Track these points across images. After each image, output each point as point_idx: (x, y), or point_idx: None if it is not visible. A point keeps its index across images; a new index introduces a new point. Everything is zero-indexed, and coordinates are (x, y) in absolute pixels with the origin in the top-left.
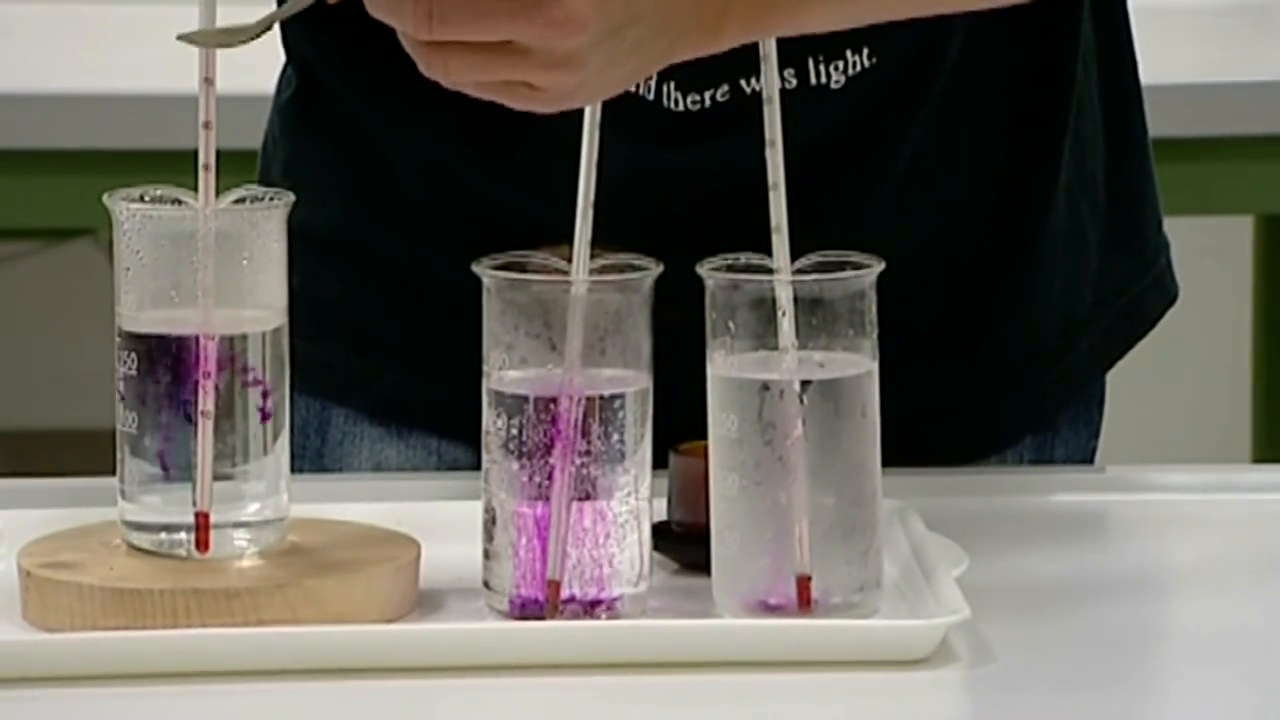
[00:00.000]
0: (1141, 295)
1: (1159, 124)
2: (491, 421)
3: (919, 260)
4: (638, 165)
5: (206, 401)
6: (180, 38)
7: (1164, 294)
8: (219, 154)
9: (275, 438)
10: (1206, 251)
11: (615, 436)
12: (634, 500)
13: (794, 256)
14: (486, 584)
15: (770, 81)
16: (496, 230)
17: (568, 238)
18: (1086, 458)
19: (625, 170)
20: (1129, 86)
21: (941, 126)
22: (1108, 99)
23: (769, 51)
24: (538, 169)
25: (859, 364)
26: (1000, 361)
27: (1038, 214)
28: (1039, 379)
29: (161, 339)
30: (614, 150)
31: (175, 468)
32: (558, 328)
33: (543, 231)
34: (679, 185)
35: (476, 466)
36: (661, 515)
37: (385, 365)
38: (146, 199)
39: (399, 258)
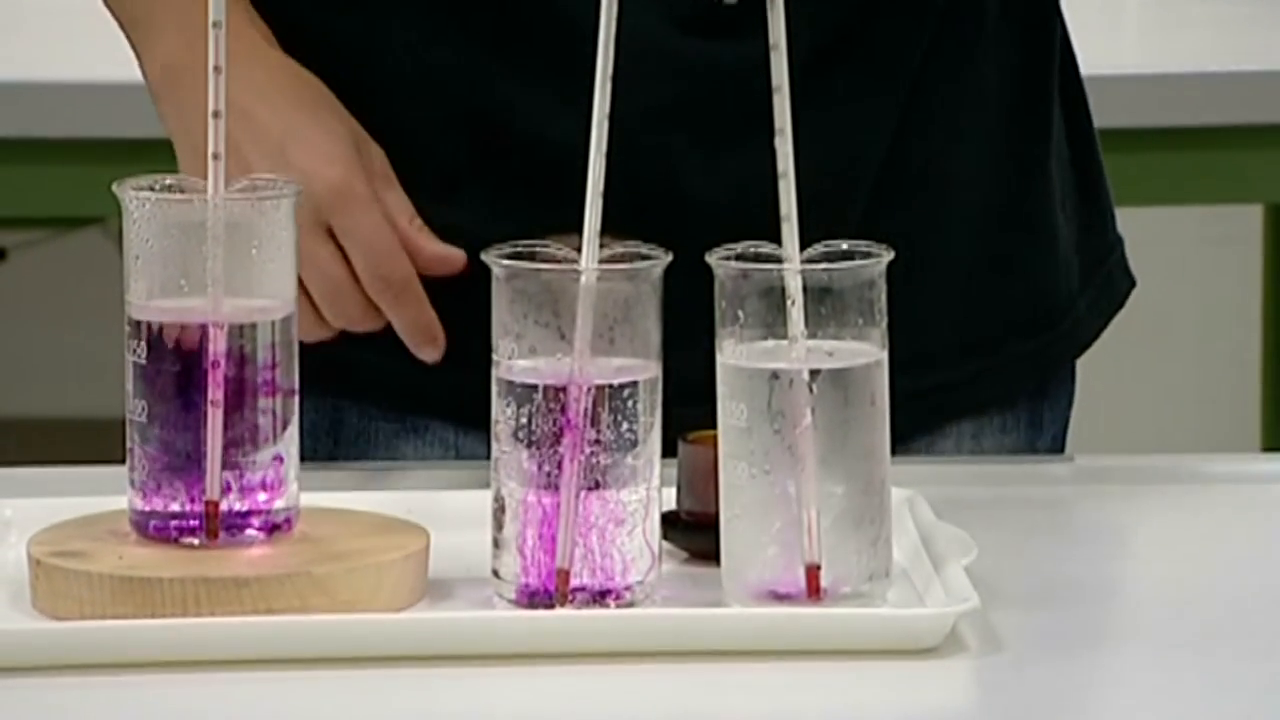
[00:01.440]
0: (1111, 274)
1: (1170, 113)
2: (501, 410)
3: (929, 187)
4: (657, 51)
5: (216, 390)
6: None
7: (1127, 276)
8: None
9: (284, 427)
10: (1216, 240)
11: (624, 425)
12: (643, 489)
13: (799, 159)
14: (496, 573)
15: (780, 71)
16: (504, 180)
17: (580, 160)
18: (1065, 423)
19: (644, 56)
20: (1076, 79)
21: (948, 49)
22: (1062, 89)
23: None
24: (547, 71)
25: (868, 353)
26: (1010, 322)
27: (1036, 173)
28: (1043, 334)
29: (171, 328)
30: (634, 35)
31: (184, 456)
32: (567, 317)
33: (554, 146)
34: (698, 75)
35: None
36: (670, 504)
37: (395, 356)
38: (156, 188)
39: None
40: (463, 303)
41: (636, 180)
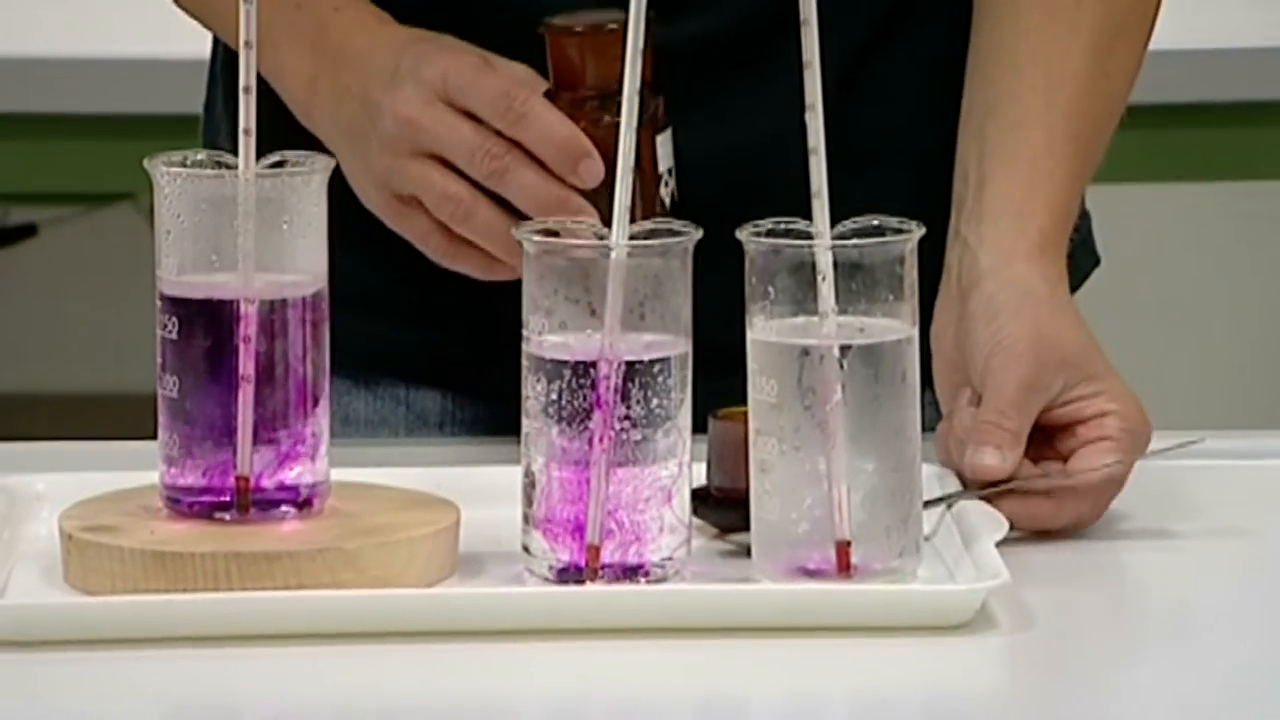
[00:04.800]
0: (1073, 251)
1: (1207, 88)
2: (531, 386)
3: (875, 155)
4: None
5: (247, 366)
6: None
7: (1091, 254)
8: None
9: (315, 402)
10: (1253, 217)
11: (655, 401)
12: (673, 465)
13: (742, 124)
14: (526, 548)
15: (811, 46)
16: None
17: None
18: None
19: None
20: None
21: (900, 19)
22: None
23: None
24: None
25: (899, 329)
26: None
27: None
28: None
29: (202, 303)
30: None
31: (215, 431)
32: (597, 292)
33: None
34: None
35: (445, 415)
36: (701, 480)
37: (348, 312)
38: (187, 163)
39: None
40: (415, 256)
41: None
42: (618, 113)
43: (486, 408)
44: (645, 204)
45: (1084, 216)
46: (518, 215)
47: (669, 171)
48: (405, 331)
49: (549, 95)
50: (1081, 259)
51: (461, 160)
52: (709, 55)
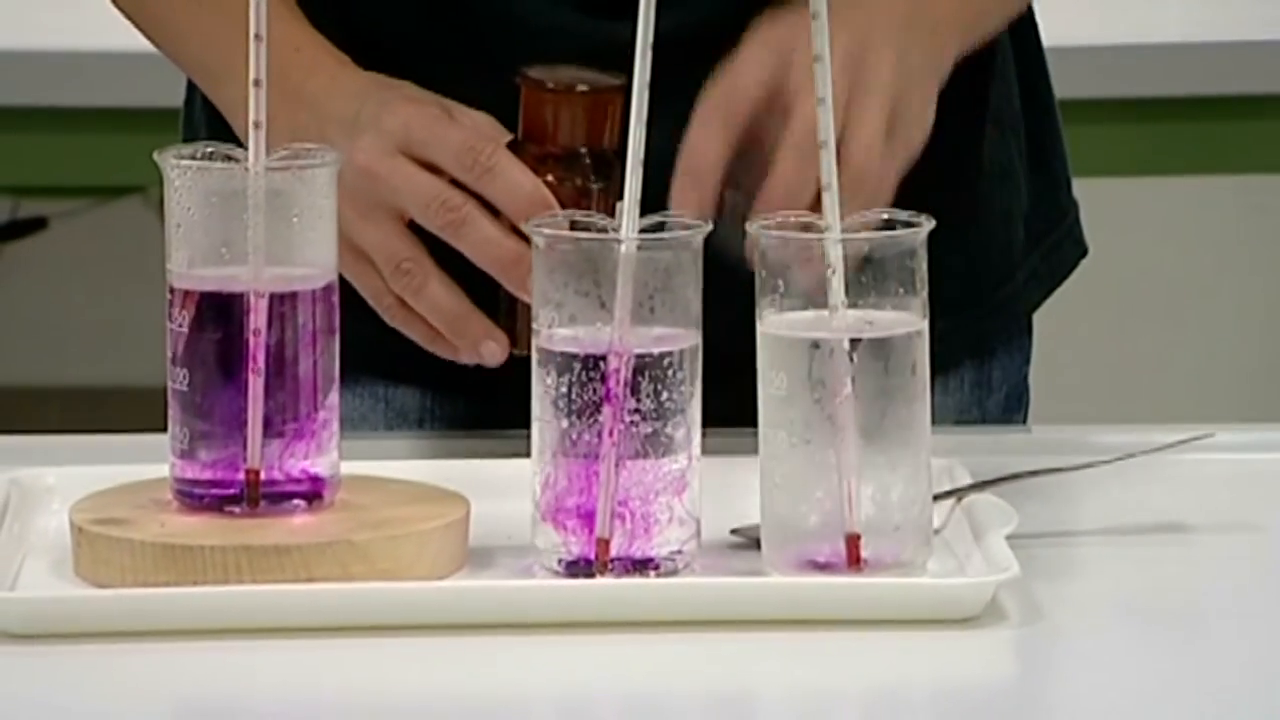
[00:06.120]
0: (1060, 243)
1: (1210, 82)
2: (540, 380)
3: None
4: (559, 31)
5: (257, 359)
6: None
7: (1078, 245)
8: None
9: (325, 395)
10: (1260, 210)
11: (664, 395)
12: (683, 458)
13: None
14: (536, 542)
15: (820, 42)
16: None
17: None
18: (1021, 381)
19: (545, 36)
20: (1036, 48)
21: None
22: (1019, 57)
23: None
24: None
25: (909, 322)
26: (944, 286)
27: (973, 137)
28: (979, 306)
29: (212, 296)
30: (533, 17)
31: (226, 425)
32: (607, 286)
33: None
34: (600, 53)
35: (424, 412)
36: (707, 476)
37: None
38: (197, 156)
39: None
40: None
41: None
42: (582, 173)
43: (466, 405)
44: None
45: (1072, 206)
46: (470, 291)
47: None
48: (385, 329)
49: (513, 145)
50: (1068, 249)
51: (417, 211)
52: (684, 49)
